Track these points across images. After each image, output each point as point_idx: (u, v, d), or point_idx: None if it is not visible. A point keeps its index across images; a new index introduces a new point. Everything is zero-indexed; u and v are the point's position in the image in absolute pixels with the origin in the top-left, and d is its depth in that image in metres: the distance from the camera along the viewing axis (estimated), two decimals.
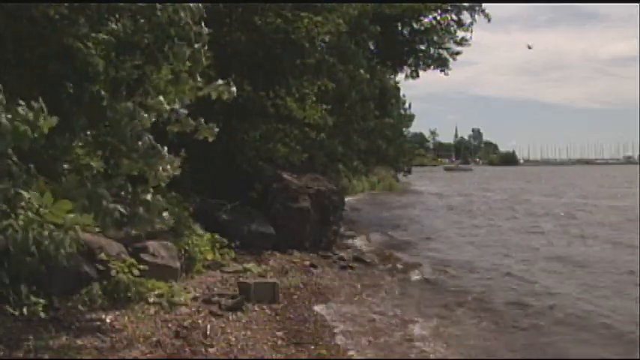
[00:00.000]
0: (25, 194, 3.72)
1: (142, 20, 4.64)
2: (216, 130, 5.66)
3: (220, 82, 5.43)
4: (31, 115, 3.59)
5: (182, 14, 4.71)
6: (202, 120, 5.53)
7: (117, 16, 4.55)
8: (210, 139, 5.67)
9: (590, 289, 9.96)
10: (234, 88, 5.50)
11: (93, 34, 4.41)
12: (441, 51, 22.51)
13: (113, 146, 5.10)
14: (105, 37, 4.44)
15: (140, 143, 5.00)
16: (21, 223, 3.62)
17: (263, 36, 11.66)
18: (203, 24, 5.02)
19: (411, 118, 43.35)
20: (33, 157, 4.25)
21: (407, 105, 41.71)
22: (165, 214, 5.28)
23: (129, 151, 5.01)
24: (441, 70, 22.58)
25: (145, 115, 4.90)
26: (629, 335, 7.31)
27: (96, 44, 4.42)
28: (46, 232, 3.72)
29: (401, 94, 35.84)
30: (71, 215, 3.87)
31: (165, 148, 5.25)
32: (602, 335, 7.40)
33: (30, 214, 3.69)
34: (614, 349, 6.89)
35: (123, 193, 4.96)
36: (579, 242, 15.93)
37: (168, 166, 5.23)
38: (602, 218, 21.76)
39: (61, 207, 3.78)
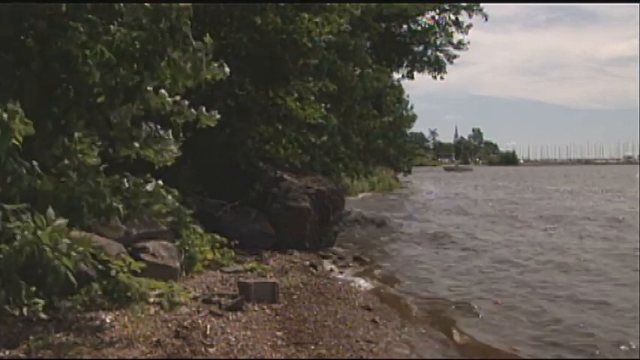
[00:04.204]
0: (24, 216, 3.70)
1: (142, 32, 4.62)
2: (218, 116, 5.67)
3: (214, 64, 5.42)
4: (5, 117, 3.49)
5: (182, 25, 4.70)
6: (204, 109, 5.54)
7: (118, 20, 4.54)
8: (212, 125, 5.69)
9: None
10: (227, 69, 5.49)
11: (92, 43, 4.40)
12: (437, 53, 22.52)
13: (114, 137, 5.11)
14: (103, 48, 4.43)
15: (142, 132, 5.02)
16: (16, 244, 3.59)
17: (263, 36, 11.65)
18: (208, 35, 5.00)
19: (413, 118, 43.32)
20: (36, 157, 4.24)
21: (409, 106, 41.73)
22: (169, 197, 5.28)
23: (130, 139, 5.02)
24: (435, 76, 22.51)
25: (152, 101, 4.90)
26: None
27: (94, 54, 4.41)
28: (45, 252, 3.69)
29: (404, 95, 35.98)
30: (67, 241, 3.83)
31: (170, 132, 5.28)
32: None
33: (28, 234, 3.65)
34: None
35: (126, 183, 4.96)
36: None
37: (172, 147, 5.25)
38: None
39: (57, 231, 3.75)
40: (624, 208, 26.10)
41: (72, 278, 3.82)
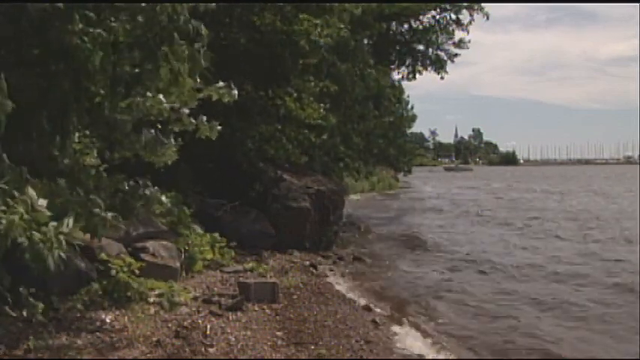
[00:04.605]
0: (10, 200, 3.63)
1: (140, 19, 4.62)
2: (219, 127, 5.66)
3: (222, 84, 5.42)
4: None
5: (179, 10, 4.69)
6: (204, 118, 5.52)
7: (115, 15, 4.54)
8: (213, 137, 5.68)
9: None
10: (235, 91, 5.49)
11: (91, 30, 4.38)
12: (438, 52, 22.50)
13: (114, 140, 5.11)
14: (103, 33, 4.41)
15: (143, 137, 5.01)
16: (1, 228, 3.51)
17: (263, 36, 11.65)
18: (203, 26, 5.00)
19: (413, 118, 43.34)
20: (29, 158, 4.22)
21: (410, 106, 41.77)
22: (163, 198, 5.28)
23: (130, 143, 5.01)
24: (438, 73, 22.53)
25: (149, 103, 4.88)
26: None
27: (93, 41, 4.39)
28: (25, 237, 3.61)
29: (404, 95, 36.08)
30: (53, 223, 3.76)
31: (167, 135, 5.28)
32: None
33: (14, 218, 3.59)
34: None
35: (125, 185, 4.95)
36: None
37: (173, 149, 5.26)
38: None
39: (40, 218, 3.69)
40: (606, 208, 26.91)
41: (51, 265, 3.73)
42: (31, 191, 3.73)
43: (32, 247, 3.63)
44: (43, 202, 3.78)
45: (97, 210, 4.40)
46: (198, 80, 5.24)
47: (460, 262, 12.66)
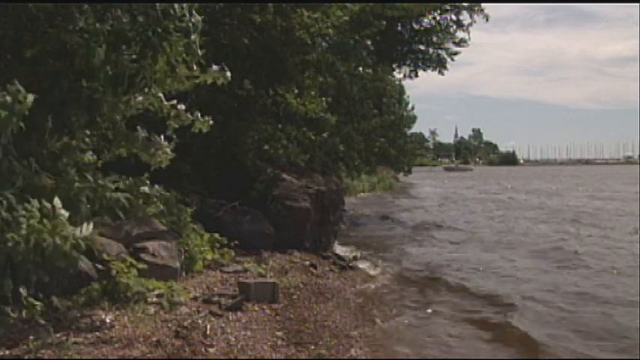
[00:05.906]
0: (28, 205, 3.69)
1: (138, 17, 4.64)
2: (211, 122, 5.70)
3: (215, 67, 5.44)
4: (9, 99, 3.53)
5: (176, 6, 4.72)
6: (199, 114, 5.56)
7: (113, 12, 4.56)
8: (205, 130, 5.72)
9: None
10: (229, 73, 5.52)
11: (91, 26, 4.40)
12: (439, 51, 22.54)
13: (111, 139, 5.13)
14: (104, 30, 4.43)
15: (138, 135, 5.04)
16: (23, 232, 3.57)
17: (263, 34, 11.65)
18: (194, 12, 5.00)
19: (414, 119, 43.40)
20: (33, 155, 4.24)
21: (410, 106, 41.83)
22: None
23: (128, 142, 5.04)
24: (439, 72, 22.61)
25: (140, 98, 4.91)
26: None
27: (94, 37, 4.41)
28: (49, 240, 3.68)
29: (405, 95, 36.20)
30: (71, 229, 3.81)
31: (162, 136, 5.31)
32: None
33: (33, 222, 3.65)
34: None
35: (121, 185, 4.98)
36: None
37: (167, 149, 5.28)
38: None
39: (59, 222, 3.74)
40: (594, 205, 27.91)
41: (87, 262, 3.84)
42: (56, 200, 3.81)
43: (59, 250, 3.69)
44: (65, 213, 3.83)
45: (108, 193, 4.43)
46: (195, 68, 5.26)
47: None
